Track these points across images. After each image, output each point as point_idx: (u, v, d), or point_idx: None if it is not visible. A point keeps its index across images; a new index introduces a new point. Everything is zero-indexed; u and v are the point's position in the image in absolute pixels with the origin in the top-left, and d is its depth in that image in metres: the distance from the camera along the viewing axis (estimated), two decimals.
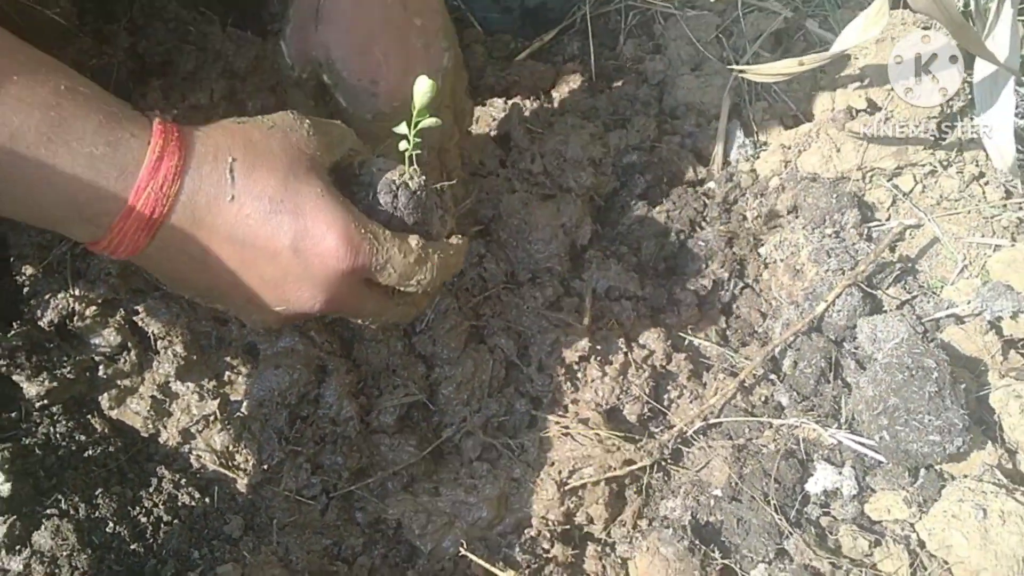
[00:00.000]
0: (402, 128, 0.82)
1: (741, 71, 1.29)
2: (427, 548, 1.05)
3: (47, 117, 0.66)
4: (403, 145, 0.82)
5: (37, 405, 1.01)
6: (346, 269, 0.76)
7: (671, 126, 1.44)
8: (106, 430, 1.04)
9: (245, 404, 1.10)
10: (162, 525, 0.98)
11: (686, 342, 1.23)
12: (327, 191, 0.77)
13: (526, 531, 1.06)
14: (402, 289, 0.83)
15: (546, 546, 1.06)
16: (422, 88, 0.79)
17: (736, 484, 1.06)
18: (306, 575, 0.97)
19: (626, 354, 1.18)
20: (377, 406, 1.13)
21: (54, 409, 1.02)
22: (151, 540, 0.97)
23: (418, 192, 0.83)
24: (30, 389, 1.01)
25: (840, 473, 1.07)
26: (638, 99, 1.46)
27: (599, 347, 1.17)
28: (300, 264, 0.76)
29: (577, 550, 1.06)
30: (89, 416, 1.04)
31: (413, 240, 0.81)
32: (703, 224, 1.34)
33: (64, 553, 0.91)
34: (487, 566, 1.00)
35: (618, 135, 1.37)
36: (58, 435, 1.00)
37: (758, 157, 1.40)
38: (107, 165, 0.69)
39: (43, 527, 0.91)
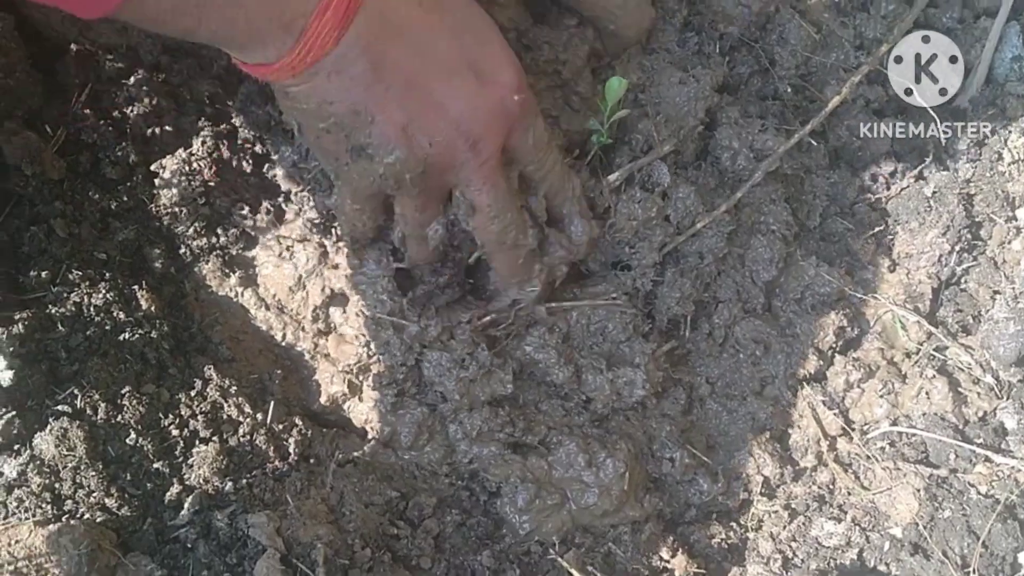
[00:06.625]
0: None
1: None
2: (523, 529, 0.84)
3: None
4: None
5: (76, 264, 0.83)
6: (512, 107, 0.75)
7: (925, 16, 1.09)
8: (153, 308, 0.84)
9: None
10: (197, 443, 0.79)
11: (885, 313, 0.94)
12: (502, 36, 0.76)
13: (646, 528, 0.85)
14: (527, 173, 0.81)
15: (665, 555, 0.84)
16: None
17: (925, 531, 0.80)
18: (358, 537, 0.78)
19: None
20: None
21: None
22: (180, 460, 0.78)
23: None
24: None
25: None
26: None
27: None
28: (475, 85, 0.73)
29: (703, 570, 0.83)
30: (135, 287, 0.85)
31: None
32: (942, 158, 1.02)
33: (69, 465, 0.73)
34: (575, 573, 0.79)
35: (861, 17, 1.03)
36: (93, 307, 0.81)
37: None
38: None
39: (49, 428, 0.74)
